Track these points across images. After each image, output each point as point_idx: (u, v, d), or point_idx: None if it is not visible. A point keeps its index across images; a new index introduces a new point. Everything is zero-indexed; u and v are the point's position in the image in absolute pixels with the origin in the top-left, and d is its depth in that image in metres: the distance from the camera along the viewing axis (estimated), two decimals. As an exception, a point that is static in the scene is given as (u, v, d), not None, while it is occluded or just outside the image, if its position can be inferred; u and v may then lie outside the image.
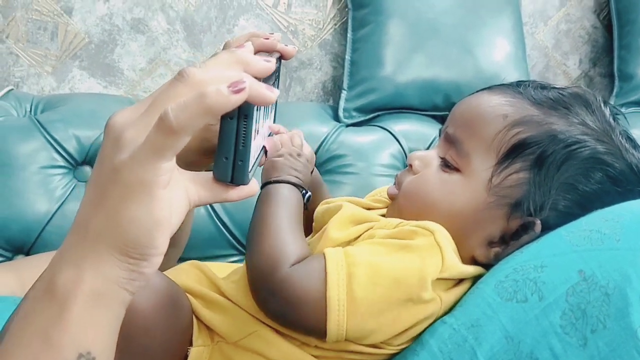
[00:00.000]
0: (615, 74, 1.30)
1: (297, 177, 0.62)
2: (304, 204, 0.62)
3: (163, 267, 0.73)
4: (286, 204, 0.59)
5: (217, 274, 0.64)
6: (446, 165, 0.60)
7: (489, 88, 0.62)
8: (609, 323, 0.42)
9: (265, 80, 0.46)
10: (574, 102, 0.59)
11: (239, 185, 0.42)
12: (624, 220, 0.47)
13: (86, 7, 1.23)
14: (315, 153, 1.13)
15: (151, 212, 0.37)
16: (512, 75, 1.16)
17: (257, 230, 0.57)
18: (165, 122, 0.36)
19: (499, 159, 0.57)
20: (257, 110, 0.42)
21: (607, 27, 1.38)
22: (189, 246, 0.83)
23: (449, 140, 0.61)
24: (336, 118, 1.21)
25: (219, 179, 0.42)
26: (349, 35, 1.24)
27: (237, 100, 0.36)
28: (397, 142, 1.17)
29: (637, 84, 1.26)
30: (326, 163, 1.14)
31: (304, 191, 0.62)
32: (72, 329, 0.37)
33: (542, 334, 0.44)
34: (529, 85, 0.60)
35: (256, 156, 0.46)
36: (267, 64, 0.41)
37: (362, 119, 1.21)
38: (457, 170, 0.59)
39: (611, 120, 0.59)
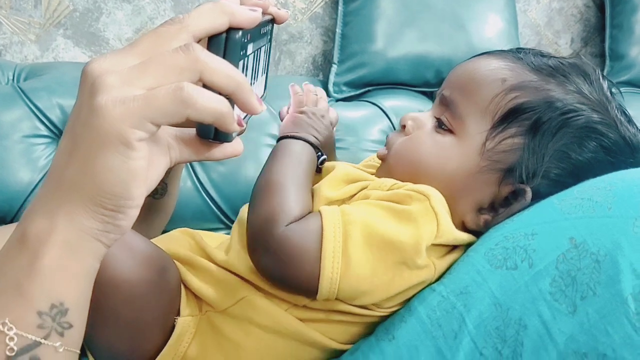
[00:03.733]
0: (607, 53, 1.29)
1: (315, 137, 0.61)
2: (318, 166, 0.61)
3: (150, 234, 0.73)
4: (298, 160, 0.58)
5: (209, 242, 0.64)
6: (440, 126, 0.59)
7: (489, 52, 0.61)
8: (599, 290, 0.41)
9: (257, 43, 0.44)
10: (572, 72, 0.58)
11: (222, 142, 0.41)
12: (616, 188, 0.47)
13: (71, -27, 1.20)
14: (304, 127, 1.13)
15: (126, 161, 0.35)
16: (503, 52, 1.15)
17: (261, 185, 0.56)
18: (181, 93, 0.35)
19: (494, 123, 0.56)
20: (244, 67, 0.41)
21: (600, 6, 1.37)
22: (176, 220, 0.82)
23: (444, 103, 0.60)
24: (326, 92, 1.19)
25: (202, 135, 0.41)
26: (340, 8, 1.22)
27: (235, 128, 0.39)
28: (387, 118, 1.16)
29: (628, 64, 1.26)
30: (315, 137, 1.13)
31: (319, 153, 0.61)
32: (44, 279, 0.37)
33: (531, 301, 0.44)
34: (529, 52, 0.60)
35: (242, 116, 0.45)
36: (254, 14, 0.39)
37: (352, 93, 1.19)
38: (450, 132, 0.58)
39: (608, 93, 0.59)
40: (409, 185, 0.56)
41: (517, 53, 0.60)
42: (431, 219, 0.52)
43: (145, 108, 0.35)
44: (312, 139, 0.61)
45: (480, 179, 0.56)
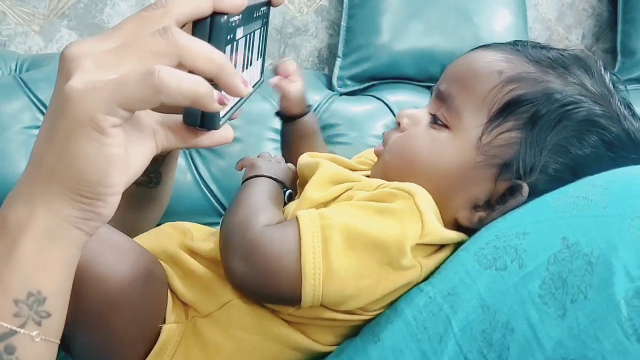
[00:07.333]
0: (618, 49, 1.27)
1: (277, 176, 0.62)
2: (284, 200, 0.61)
3: (145, 225, 0.72)
4: (265, 192, 0.58)
5: (198, 236, 0.63)
6: (435, 122, 0.58)
7: (485, 45, 0.60)
8: (590, 293, 0.40)
9: (249, 26, 0.43)
10: (573, 64, 0.56)
11: (209, 130, 0.40)
12: (612, 186, 0.45)
13: (75, -36, 1.19)
14: (307, 121, 1.12)
15: (101, 148, 0.35)
16: (511, 47, 1.13)
17: (233, 206, 0.56)
18: (152, 78, 0.34)
19: (490, 117, 0.54)
20: (232, 51, 0.40)
21: (612, 0, 1.34)
22: (176, 214, 0.81)
23: (440, 97, 0.58)
24: (330, 86, 1.18)
25: (188, 123, 0.40)
26: (346, 1, 1.20)
27: (216, 108, 0.37)
28: (391, 113, 1.14)
29: (640, 60, 1.23)
30: (318, 132, 1.11)
31: (284, 189, 0.61)
32: (21, 267, 0.36)
33: (519, 304, 0.42)
34: (527, 44, 0.58)
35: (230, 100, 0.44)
36: (239, 0, 0.38)
37: (356, 87, 1.18)
38: (446, 127, 0.57)
39: (611, 86, 0.56)
40: (395, 183, 0.54)
41: (514, 45, 0.58)
42: (416, 218, 0.51)
43: (115, 94, 0.34)
44: (276, 176, 0.62)
45: (476, 175, 0.54)
